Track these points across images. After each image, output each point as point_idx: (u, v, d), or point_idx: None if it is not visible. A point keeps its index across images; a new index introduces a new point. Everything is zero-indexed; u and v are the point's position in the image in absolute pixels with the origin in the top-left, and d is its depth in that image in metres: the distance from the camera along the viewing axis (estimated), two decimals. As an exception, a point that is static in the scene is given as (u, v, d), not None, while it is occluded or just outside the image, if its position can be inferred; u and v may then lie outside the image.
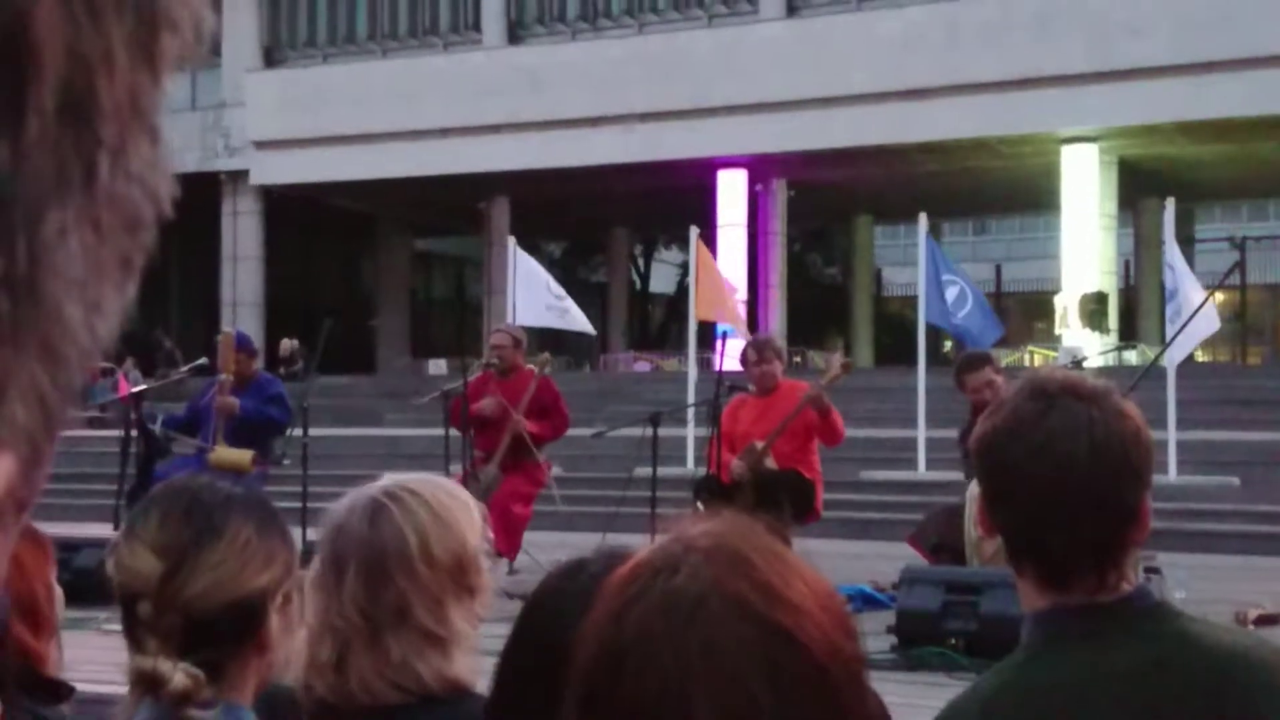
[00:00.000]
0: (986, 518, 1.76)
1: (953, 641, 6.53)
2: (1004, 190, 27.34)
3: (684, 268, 30.63)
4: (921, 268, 13.32)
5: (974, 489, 1.90)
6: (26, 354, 0.38)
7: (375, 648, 1.96)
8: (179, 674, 1.67)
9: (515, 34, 26.72)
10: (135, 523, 1.77)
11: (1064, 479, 1.66)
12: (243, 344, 9.35)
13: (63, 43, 0.37)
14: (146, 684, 1.68)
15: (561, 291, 12.70)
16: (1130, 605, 1.70)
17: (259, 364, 10.22)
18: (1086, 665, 1.66)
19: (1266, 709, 1.63)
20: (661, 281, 40.74)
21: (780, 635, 0.99)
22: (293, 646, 2.00)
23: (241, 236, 28.23)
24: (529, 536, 9.12)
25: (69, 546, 7.92)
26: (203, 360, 9.51)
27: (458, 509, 2.04)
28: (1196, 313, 10.59)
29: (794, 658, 0.99)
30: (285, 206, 28.00)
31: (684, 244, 20.21)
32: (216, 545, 1.73)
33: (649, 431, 8.98)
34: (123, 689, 1.72)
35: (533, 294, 12.61)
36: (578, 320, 12.69)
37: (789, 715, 0.99)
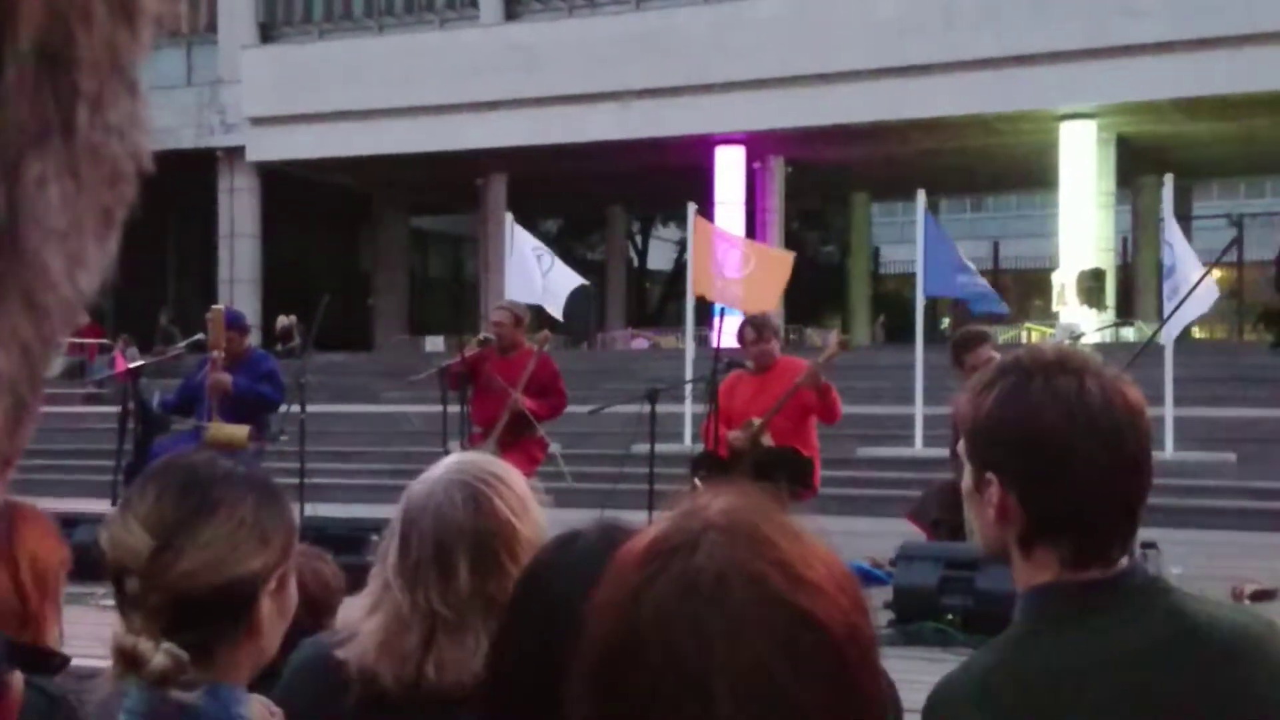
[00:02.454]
0: (1004, 502, 1.70)
1: (949, 617, 6.54)
2: (1002, 168, 27.32)
3: (681, 245, 30.61)
4: (920, 245, 13.31)
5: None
6: (7, 304, 0.38)
7: (466, 633, 1.97)
8: (160, 654, 1.64)
9: (512, 10, 26.63)
10: (131, 497, 1.74)
11: (1115, 452, 1.68)
12: (233, 321, 9.34)
13: None
14: (126, 662, 1.65)
15: (547, 265, 12.46)
16: (1126, 581, 1.70)
17: (251, 341, 10.21)
18: (1084, 643, 1.65)
19: (1263, 686, 1.63)
20: (659, 259, 40.72)
21: (801, 617, 0.98)
22: (365, 629, 1.99)
23: (238, 214, 28.16)
24: (526, 513, 9.12)
25: (67, 522, 7.89)
26: (199, 336, 9.50)
27: (530, 491, 2.07)
28: (1193, 290, 10.58)
29: (814, 639, 0.98)
30: (282, 184, 27.94)
31: (681, 221, 20.18)
32: (209, 523, 1.69)
33: (646, 408, 8.97)
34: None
35: (526, 271, 12.54)
36: (560, 291, 12.44)
37: (807, 696, 0.97)
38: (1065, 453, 1.67)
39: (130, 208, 0.42)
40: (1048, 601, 1.69)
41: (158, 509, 1.70)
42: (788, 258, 13.00)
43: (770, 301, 11.75)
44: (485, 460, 2.10)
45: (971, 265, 13.21)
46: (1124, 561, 1.71)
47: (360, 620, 2.04)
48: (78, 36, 0.38)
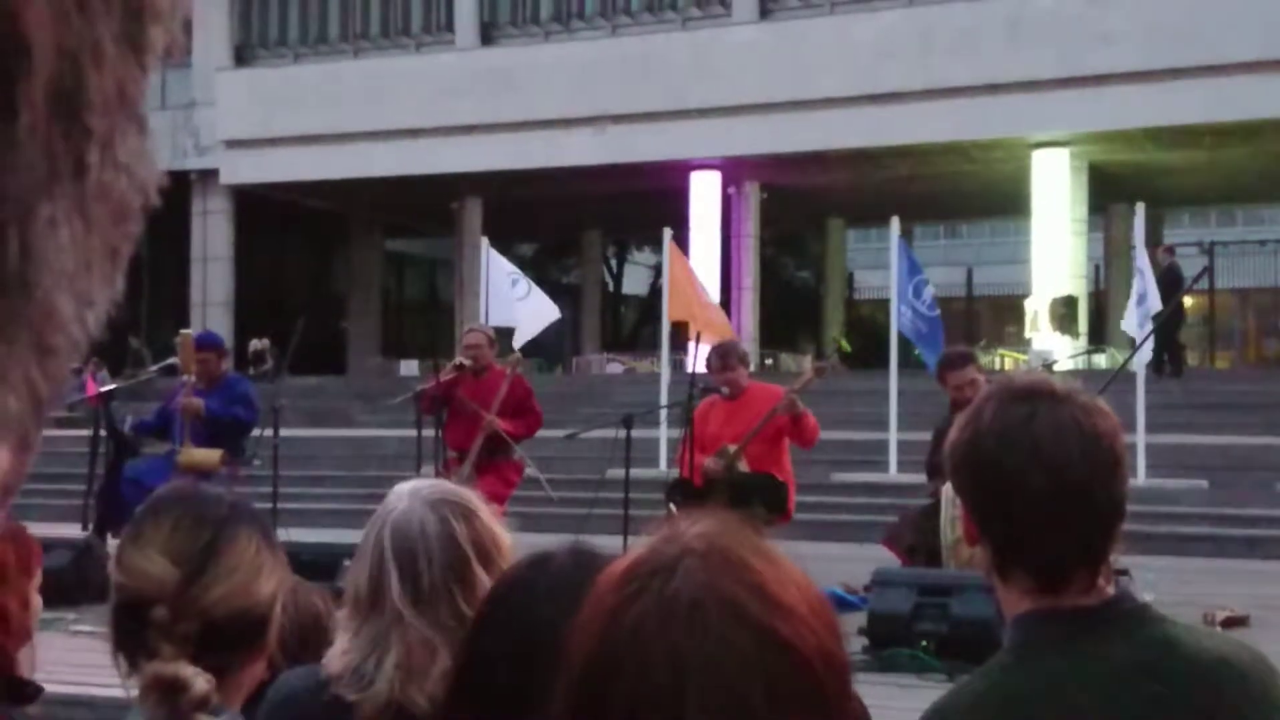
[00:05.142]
0: (971, 526, 1.73)
1: (924, 643, 6.54)
2: (975, 194, 27.45)
3: (657, 269, 30.63)
4: (894, 271, 13.36)
5: (950, 491, 1.88)
6: (18, 346, 0.38)
7: None
8: (200, 679, 1.68)
9: (488, 34, 26.67)
10: (142, 528, 1.77)
11: (1059, 482, 1.65)
12: (210, 343, 9.33)
13: (53, 38, 0.37)
14: (166, 690, 1.68)
15: (523, 292, 12.49)
16: (1114, 609, 1.69)
17: (228, 364, 10.17)
18: (1073, 670, 1.65)
19: (1251, 715, 1.63)
20: (634, 283, 40.74)
21: (777, 642, 0.99)
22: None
23: (211, 236, 28.08)
24: (500, 538, 9.10)
25: (36, 547, 7.84)
26: (172, 360, 9.48)
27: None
28: (1162, 316, 10.65)
29: (789, 665, 0.98)
30: (256, 206, 27.87)
31: (657, 246, 20.21)
32: (232, 552, 1.75)
33: (621, 433, 8.96)
34: (87, 689, 1.70)
35: (502, 295, 12.56)
36: (533, 320, 12.41)
37: None
38: (1003, 481, 1.67)
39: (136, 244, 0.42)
40: (1036, 628, 1.69)
41: (176, 539, 1.75)
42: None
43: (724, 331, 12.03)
44: (436, 482, 2.21)
45: (925, 301, 12.92)
46: (1109, 589, 1.70)
47: (364, 659, 2.03)
48: (89, 78, 0.38)
